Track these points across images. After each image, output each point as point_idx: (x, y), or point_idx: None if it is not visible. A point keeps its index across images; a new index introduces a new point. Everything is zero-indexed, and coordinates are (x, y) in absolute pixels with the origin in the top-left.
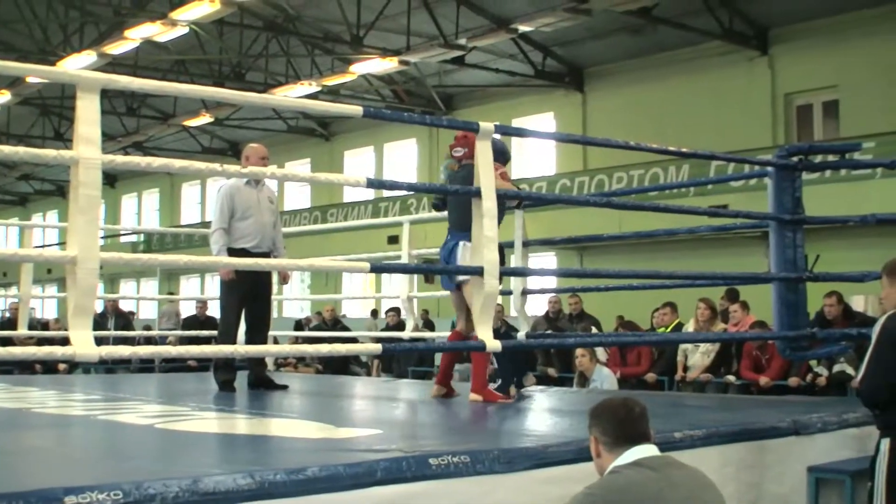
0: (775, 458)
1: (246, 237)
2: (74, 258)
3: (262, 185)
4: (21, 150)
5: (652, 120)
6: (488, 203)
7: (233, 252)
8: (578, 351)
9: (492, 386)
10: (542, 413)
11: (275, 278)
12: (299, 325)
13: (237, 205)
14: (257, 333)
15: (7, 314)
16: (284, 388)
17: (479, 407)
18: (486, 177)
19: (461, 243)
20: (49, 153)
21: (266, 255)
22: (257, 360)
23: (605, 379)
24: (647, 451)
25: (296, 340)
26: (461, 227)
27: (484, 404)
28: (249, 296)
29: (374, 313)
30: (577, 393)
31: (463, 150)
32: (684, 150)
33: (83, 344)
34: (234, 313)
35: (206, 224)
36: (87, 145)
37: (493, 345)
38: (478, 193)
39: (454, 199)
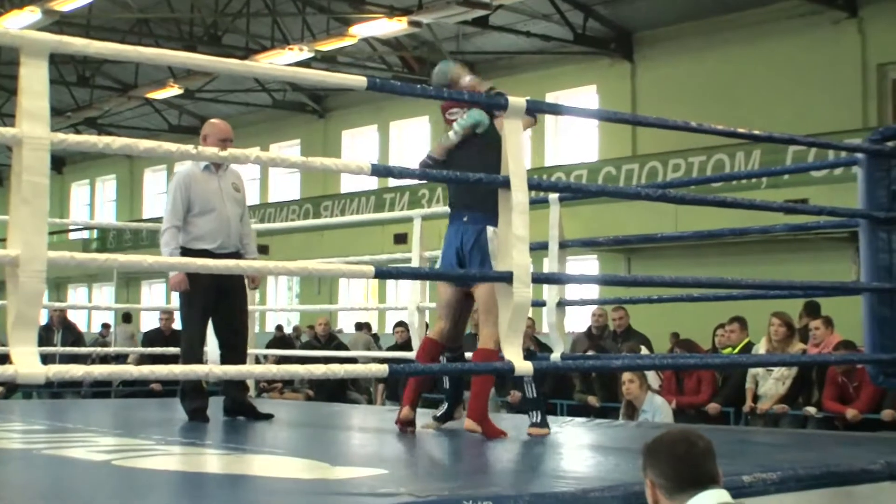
0: None
1: (206, 236)
2: (16, 258)
3: (225, 170)
4: None
5: (715, 96)
6: (519, 196)
7: (189, 254)
8: (626, 376)
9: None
10: (581, 450)
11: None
12: (285, 340)
13: (194, 196)
14: (232, 352)
15: None
16: (269, 417)
17: (503, 442)
18: (516, 164)
19: (489, 229)
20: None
21: (233, 256)
22: (235, 383)
23: (657, 409)
24: (716, 497)
25: (281, 360)
26: (474, 204)
27: (485, 436)
28: (216, 307)
29: (364, 327)
30: (624, 426)
31: (460, 112)
32: (755, 132)
33: (26, 362)
34: (196, 329)
35: None
36: (33, 121)
37: (524, 367)
38: (506, 183)
39: (460, 164)
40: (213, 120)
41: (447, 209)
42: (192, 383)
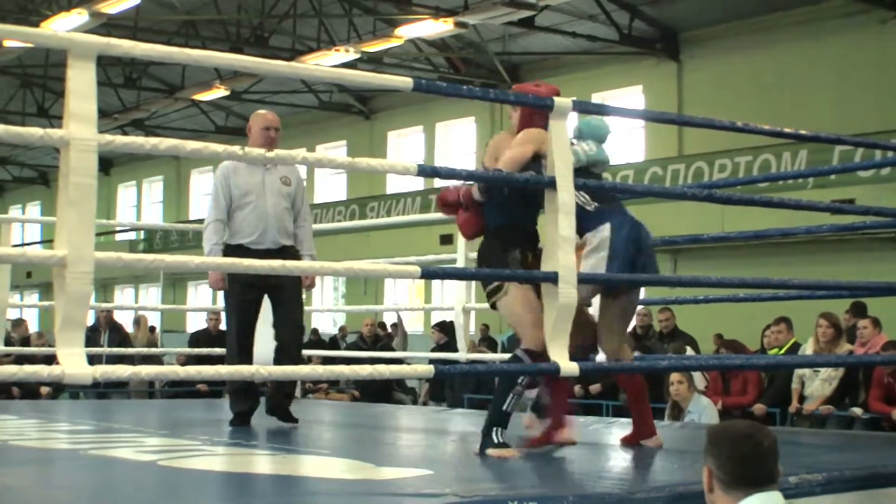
0: None
1: (242, 230)
2: (64, 259)
3: (274, 164)
4: None
5: (761, 96)
6: (565, 196)
7: (227, 250)
8: (674, 377)
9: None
10: (626, 451)
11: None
12: (322, 344)
13: (234, 189)
14: (281, 352)
15: None
16: (294, 421)
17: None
18: (562, 164)
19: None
20: (34, 132)
21: (273, 253)
22: (278, 385)
23: (703, 410)
24: (771, 500)
25: (326, 361)
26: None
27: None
28: (256, 307)
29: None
30: (670, 427)
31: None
32: (802, 132)
33: (73, 363)
34: (235, 328)
35: None
36: (80, 123)
37: (570, 368)
38: (552, 184)
39: None
40: (258, 111)
41: None
42: (235, 384)
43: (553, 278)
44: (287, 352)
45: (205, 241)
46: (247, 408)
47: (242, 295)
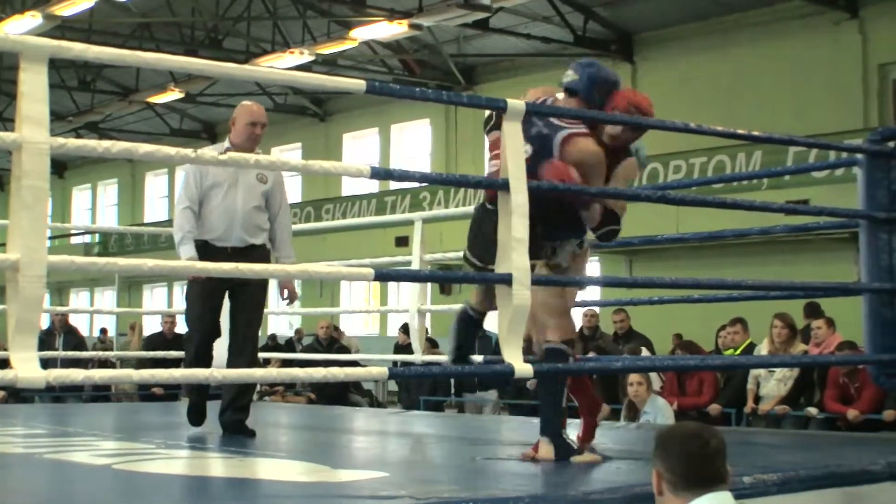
0: None
1: (206, 225)
2: (16, 263)
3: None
4: None
5: (717, 97)
6: (519, 198)
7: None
8: (633, 378)
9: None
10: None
11: (273, 286)
12: (287, 344)
13: (205, 178)
14: (236, 358)
15: None
16: (251, 434)
17: (506, 446)
18: (515, 165)
19: None
20: None
21: (239, 252)
22: (232, 398)
23: (659, 411)
24: (721, 499)
25: (283, 364)
26: None
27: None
28: (219, 303)
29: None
30: (625, 428)
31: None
32: (755, 133)
33: (26, 367)
34: (193, 329)
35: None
36: (33, 126)
37: (524, 369)
38: (505, 186)
39: None
40: (245, 102)
41: (447, 211)
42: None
43: (507, 280)
44: (239, 355)
45: (176, 228)
46: (200, 401)
47: (212, 290)
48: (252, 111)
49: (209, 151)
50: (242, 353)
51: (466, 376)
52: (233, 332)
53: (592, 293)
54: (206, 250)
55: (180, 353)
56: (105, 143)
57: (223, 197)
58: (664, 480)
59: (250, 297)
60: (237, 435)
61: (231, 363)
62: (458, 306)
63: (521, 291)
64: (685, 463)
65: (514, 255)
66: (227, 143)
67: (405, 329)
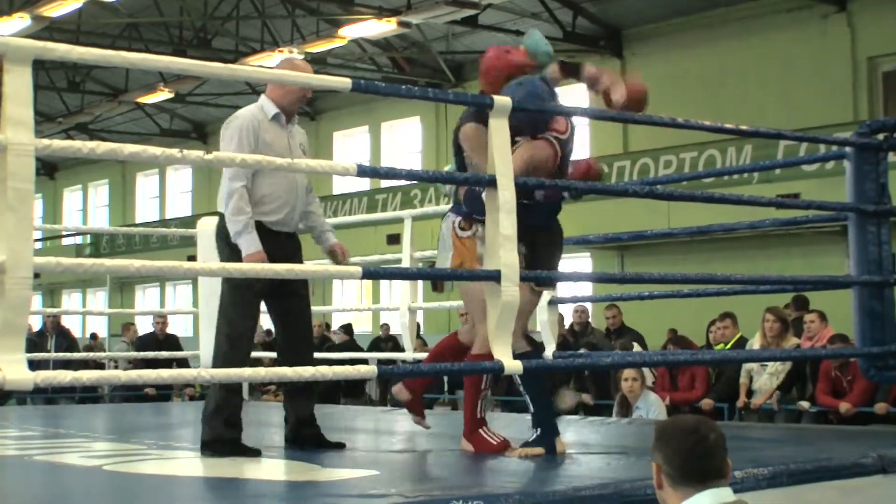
0: (858, 501)
1: (270, 206)
2: (3, 265)
3: (294, 124)
4: None
5: (706, 92)
6: (506, 194)
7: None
8: (628, 373)
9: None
10: (574, 448)
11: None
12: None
13: (263, 149)
14: (296, 357)
15: None
16: (341, 447)
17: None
18: (501, 161)
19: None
20: None
21: (294, 238)
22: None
23: (651, 406)
24: (720, 496)
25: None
26: None
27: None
28: (270, 297)
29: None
30: (617, 424)
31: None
32: (745, 127)
33: (14, 369)
34: (244, 323)
35: (165, 223)
36: (17, 128)
37: (513, 366)
38: (492, 182)
39: None
40: (292, 58)
41: (438, 209)
42: (219, 404)
43: (496, 276)
44: (303, 359)
45: (233, 211)
46: (229, 435)
47: (262, 282)
48: (306, 68)
49: (251, 110)
50: (305, 357)
51: (456, 374)
52: (290, 331)
53: (584, 288)
54: (264, 235)
55: (172, 354)
56: (90, 144)
57: (288, 172)
58: (664, 474)
59: (304, 294)
60: (325, 449)
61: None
62: (449, 304)
63: (510, 288)
64: (684, 456)
65: (502, 251)
66: (270, 105)
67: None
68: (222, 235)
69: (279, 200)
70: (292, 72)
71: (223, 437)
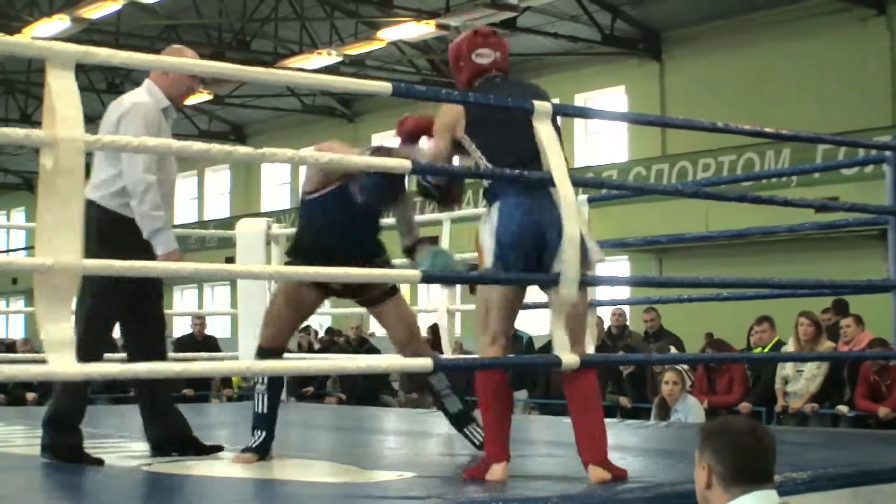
0: None
1: (166, 205)
2: (50, 265)
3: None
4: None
5: (744, 94)
6: (565, 191)
7: (121, 224)
8: (669, 377)
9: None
10: (612, 451)
11: None
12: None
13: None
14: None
15: None
16: (219, 449)
17: (532, 445)
18: (556, 160)
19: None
20: (18, 132)
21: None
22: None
23: (690, 410)
24: (768, 498)
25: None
26: None
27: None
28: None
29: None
30: (654, 427)
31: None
32: (782, 131)
33: (62, 361)
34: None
35: (203, 224)
36: (66, 124)
37: (571, 360)
38: (550, 183)
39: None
40: (184, 49)
41: (476, 211)
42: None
43: (555, 279)
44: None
45: (152, 207)
46: (75, 440)
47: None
48: (193, 55)
49: (147, 98)
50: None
51: (513, 366)
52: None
53: (622, 292)
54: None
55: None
56: (135, 141)
57: (170, 171)
58: (715, 473)
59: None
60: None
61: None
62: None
63: (569, 289)
64: (739, 457)
65: (564, 255)
66: (161, 96)
67: (433, 329)
68: (104, 229)
69: (169, 200)
70: (332, 76)
71: (66, 443)
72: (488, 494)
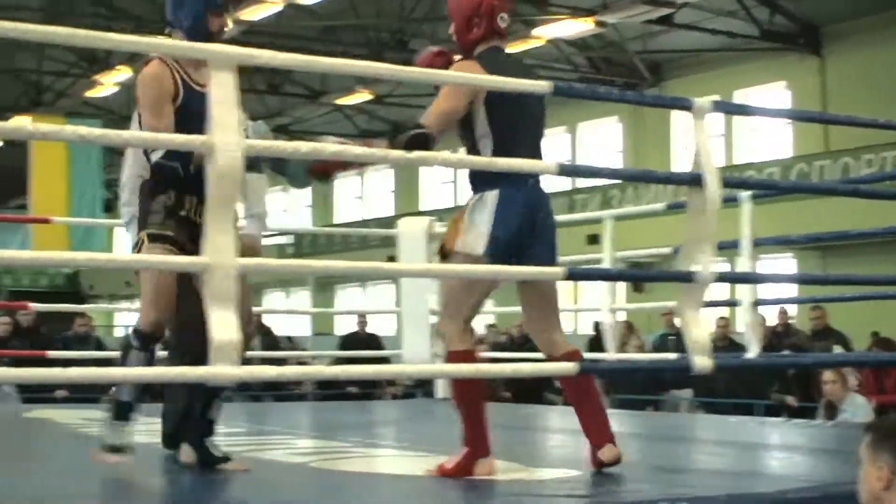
0: None
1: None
2: (208, 266)
3: None
4: (144, 135)
5: None
6: (711, 189)
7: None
8: (828, 376)
9: None
10: (777, 450)
11: None
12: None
13: None
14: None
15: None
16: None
17: (696, 443)
18: (707, 161)
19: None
20: (178, 138)
21: None
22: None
23: (858, 409)
24: None
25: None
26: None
27: None
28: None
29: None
30: (822, 426)
31: None
32: None
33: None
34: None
35: (365, 223)
36: (224, 130)
37: (704, 364)
38: (697, 181)
39: None
40: None
41: (638, 209)
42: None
43: (688, 277)
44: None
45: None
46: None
47: None
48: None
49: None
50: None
51: (653, 372)
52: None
53: (792, 290)
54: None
55: (376, 353)
56: (292, 144)
57: None
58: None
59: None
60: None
61: None
62: (650, 305)
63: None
64: None
65: (702, 254)
66: None
67: (596, 327)
68: None
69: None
70: (487, 76)
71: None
72: (655, 491)
